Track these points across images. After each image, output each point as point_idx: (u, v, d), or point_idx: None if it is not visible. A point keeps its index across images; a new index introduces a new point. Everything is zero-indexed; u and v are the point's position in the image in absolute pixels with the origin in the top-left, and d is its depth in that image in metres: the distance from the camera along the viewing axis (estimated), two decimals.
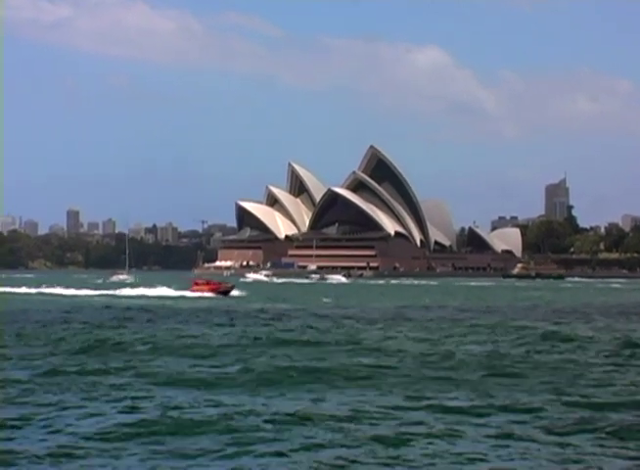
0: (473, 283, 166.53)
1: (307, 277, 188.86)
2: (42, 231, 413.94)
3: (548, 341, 33.76)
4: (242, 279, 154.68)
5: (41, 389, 20.29)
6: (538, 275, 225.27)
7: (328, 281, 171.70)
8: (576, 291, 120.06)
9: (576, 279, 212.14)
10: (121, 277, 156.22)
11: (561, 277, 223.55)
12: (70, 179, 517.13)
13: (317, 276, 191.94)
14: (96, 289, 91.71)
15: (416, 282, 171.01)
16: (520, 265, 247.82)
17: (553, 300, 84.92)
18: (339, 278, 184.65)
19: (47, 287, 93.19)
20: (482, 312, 57.63)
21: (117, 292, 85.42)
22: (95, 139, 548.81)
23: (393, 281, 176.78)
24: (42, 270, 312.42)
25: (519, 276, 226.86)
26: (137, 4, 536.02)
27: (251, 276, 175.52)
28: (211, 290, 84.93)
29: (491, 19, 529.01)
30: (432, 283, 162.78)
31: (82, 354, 27.47)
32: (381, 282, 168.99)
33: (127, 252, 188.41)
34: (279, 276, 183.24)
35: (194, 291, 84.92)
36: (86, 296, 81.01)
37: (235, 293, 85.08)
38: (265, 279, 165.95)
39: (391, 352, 29.02)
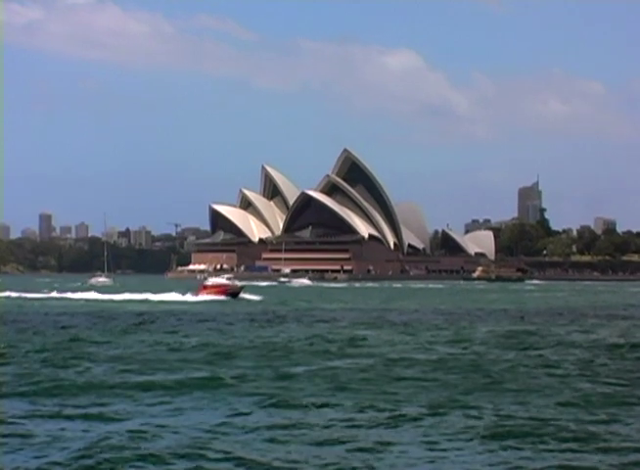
0: (431, 285, 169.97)
1: (276, 280, 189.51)
2: (14, 235, 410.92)
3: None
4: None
5: None
6: (498, 278, 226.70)
7: (292, 284, 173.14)
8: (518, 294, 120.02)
9: (535, 282, 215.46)
10: (100, 280, 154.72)
11: (521, 280, 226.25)
12: (43, 183, 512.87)
13: (285, 279, 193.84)
14: (106, 293, 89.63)
15: (377, 285, 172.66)
16: (480, 268, 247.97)
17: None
18: (302, 281, 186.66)
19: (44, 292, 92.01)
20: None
21: (123, 297, 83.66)
22: (67, 142, 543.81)
23: (357, 284, 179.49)
24: (15, 274, 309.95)
25: (479, 279, 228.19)
26: (109, 6, 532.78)
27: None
28: (220, 292, 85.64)
29: (463, 21, 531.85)
30: (396, 286, 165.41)
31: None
32: (341, 285, 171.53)
33: (106, 255, 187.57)
34: (241, 279, 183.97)
35: (204, 294, 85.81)
36: (98, 301, 78.94)
37: (248, 296, 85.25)
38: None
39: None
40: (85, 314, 56.14)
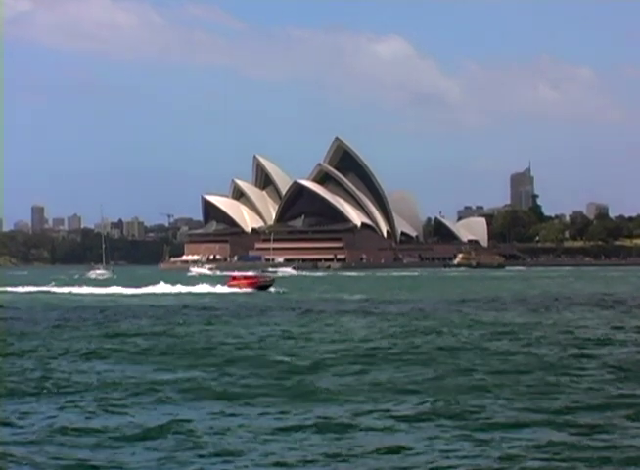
0: (408, 273, 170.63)
1: (263, 271, 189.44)
2: (7, 228, 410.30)
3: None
4: (188, 274, 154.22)
5: None
6: (479, 265, 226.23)
7: (277, 274, 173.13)
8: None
9: (518, 268, 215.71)
10: (98, 273, 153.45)
11: (501, 267, 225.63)
12: (35, 175, 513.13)
13: (273, 270, 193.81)
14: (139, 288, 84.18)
15: (362, 274, 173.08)
16: (460, 255, 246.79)
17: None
18: (288, 271, 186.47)
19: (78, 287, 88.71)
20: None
21: (154, 290, 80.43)
22: (59, 134, 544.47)
23: (338, 273, 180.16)
24: (8, 267, 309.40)
25: (460, 266, 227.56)
26: None
27: (195, 270, 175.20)
28: (250, 284, 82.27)
29: (452, 8, 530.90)
30: (378, 274, 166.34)
31: None
32: (319, 274, 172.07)
33: (104, 247, 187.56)
34: (222, 270, 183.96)
35: (232, 286, 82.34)
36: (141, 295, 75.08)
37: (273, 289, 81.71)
38: (209, 273, 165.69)
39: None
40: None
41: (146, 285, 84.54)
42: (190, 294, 75.69)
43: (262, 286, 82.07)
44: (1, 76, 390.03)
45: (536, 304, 58.48)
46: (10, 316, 47.83)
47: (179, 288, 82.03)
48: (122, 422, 17.19)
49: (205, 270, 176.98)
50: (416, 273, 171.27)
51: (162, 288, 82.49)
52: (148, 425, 16.79)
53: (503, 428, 16.34)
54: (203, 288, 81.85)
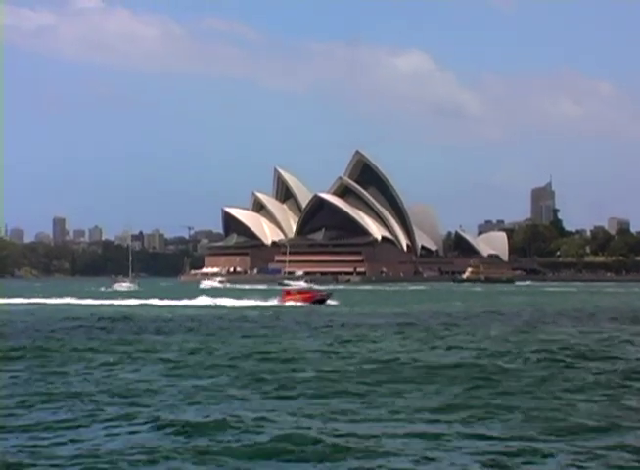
0: (423, 287, 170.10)
1: (279, 283, 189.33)
2: (28, 239, 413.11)
3: None
4: (200, 286, 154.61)
5: None
6: (488, 279, 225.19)
7: (291, 287, 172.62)
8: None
9: (528, 283, 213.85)
10: (124, 285, 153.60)
11: (511, 281, 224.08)
12: (56, 187, 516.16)
13: (287, 282, 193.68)
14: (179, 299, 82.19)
15: (377, 287, 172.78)
16: (470, 270, 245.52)
17: None
18: (300, 284, 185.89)
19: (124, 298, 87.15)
20: None
21: (200, 302, 79.07)
22: (80, 147, 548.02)
23: (341, 286, 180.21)
24: (29, 278, 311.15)
25: (468, 281, 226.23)
26: (119, 10, 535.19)
27: (206, 283, 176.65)
28: (306, 299, 79.92)
29: (472, 21, 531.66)
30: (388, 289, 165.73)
31: None
32: (340, 287, 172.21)
33: (130, 259, 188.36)
34: (234, 283, 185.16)
35: (286, 300, 79.48)
36: (191, 306, 73.29)
37: (331, 302, 79.45)
38: (220, 286, 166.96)
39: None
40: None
41: (184, 298, 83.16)
42: (243, 308, 72.11)
43: (318, 300, 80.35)
44: (1, 80, 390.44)
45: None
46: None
47: (233, 302, 79.42)
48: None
49: (215, 283, 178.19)
50: (423, 287, 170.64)
51: (205, 301, 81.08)
52: None
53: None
54: (254, 302, 78.60)
